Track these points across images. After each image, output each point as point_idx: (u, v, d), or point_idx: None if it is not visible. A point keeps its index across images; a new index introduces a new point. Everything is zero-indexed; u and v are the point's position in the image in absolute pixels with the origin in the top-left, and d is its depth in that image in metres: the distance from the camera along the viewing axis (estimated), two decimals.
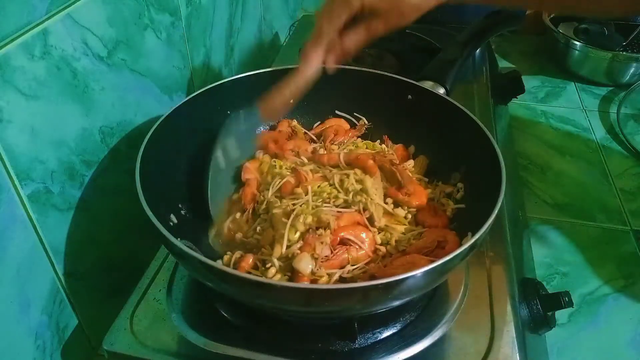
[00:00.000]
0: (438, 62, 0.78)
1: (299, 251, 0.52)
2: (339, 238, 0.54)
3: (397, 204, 0.61)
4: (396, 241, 0.57)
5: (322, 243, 0.52)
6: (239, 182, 0.66)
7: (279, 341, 0.52)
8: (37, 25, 0.49)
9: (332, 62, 0.58)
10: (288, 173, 0.62)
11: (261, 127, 0.74)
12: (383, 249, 0.56)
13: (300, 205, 0.56)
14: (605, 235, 0.94)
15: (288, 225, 0.53)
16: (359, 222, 0.56)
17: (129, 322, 0.54)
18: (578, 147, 1.15)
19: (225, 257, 0.56)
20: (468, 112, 0.62)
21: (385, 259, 0.55)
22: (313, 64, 0.57)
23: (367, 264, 0.54)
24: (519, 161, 1.10)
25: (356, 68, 0.71)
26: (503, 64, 1.43)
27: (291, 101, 0.59)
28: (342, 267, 0.53)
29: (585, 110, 1.28)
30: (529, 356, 0.53)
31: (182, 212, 0.60)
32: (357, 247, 0.54)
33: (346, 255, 0.53)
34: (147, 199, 0.48)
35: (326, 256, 0.52)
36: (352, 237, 0.54)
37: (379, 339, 0.53)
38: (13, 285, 0.51)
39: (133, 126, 0.67)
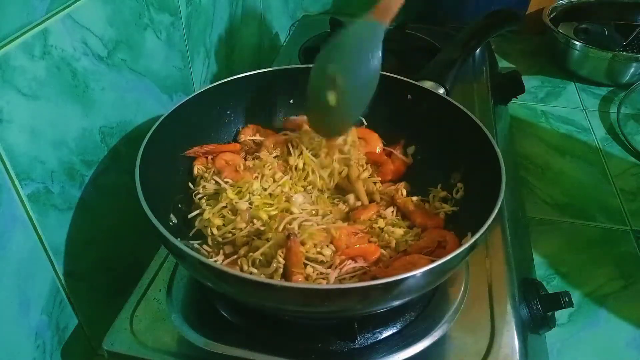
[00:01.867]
0: (438, 62, 0.78)
1: (280, 260, 0.51)
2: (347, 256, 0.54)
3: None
4: (396, 244, 0.57)
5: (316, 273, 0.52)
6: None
7: (279, 341, 0.52)
8: (37, 25, 0.49)
9: None
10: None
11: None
12: (384, 252, 0.56)
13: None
14: (605, 235, 0.94)
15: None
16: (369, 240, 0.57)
17: (129, 322, 0.54)
18: (578, 147, 1.15)
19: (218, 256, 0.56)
20: (468, 112, 0.62)
21: (385, 261, 0.55)
22: None
23: (369, 266, 0.54)
24: (519, 161, 1.10)
25: None
26: (503, 64, 1.43)
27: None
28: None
29: (585, 110, 1.28)
30: (529, 356, 0.53)
31: (182, 212, 0.60)
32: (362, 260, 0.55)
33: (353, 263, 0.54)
34: (147, 199, 0.48)
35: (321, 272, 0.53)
36: (359, 262, 0.54)
37: (379, 339, 0.53)
38: (13, 285, 0.51)
39: (133, 126, 0.67)
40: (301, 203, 0.59)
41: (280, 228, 0.54)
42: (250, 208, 0.58)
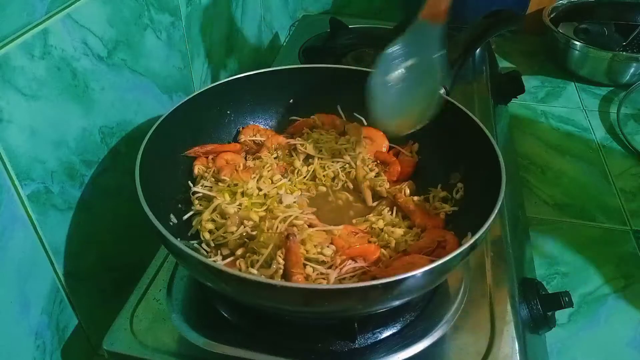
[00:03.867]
0: None
1: (280, 261, 0.51)
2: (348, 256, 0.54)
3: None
4: (395, 244, 0.57)
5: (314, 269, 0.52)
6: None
7: (279, 341, 0.52)
8: (37, 25, 0.49)
9: None
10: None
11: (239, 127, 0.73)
12: (384, 251, 0.56)
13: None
14: (605, 235, 0.94)
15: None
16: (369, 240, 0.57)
17: (129, 322, 0.54)
18: (578, 147, 1.15)
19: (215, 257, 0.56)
20: (468, 112, 0.62)
21: (385, 261, 0.55)
22: None
23: (368, 266, 0.54)
24: (519, 161, 1.10)
25: (356, 68, 0.71)
26: (503, 64, 1.43)
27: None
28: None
29: (585, 110, 1.28)
30: (529, 356, 0.53)
31: (182, 212, 0.59)
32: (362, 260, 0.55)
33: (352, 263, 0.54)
34: (147, 199, 0.48)
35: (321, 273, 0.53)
36: (359, 262, 0.54)
37: (379, 339, 0.53)
38: (13, 285, 0.51)
39: (133, 126, 0.67)
40: (290, 203, 0.59)
41: (274, 229, 0.54)
42: (239, 210, 0.58)
